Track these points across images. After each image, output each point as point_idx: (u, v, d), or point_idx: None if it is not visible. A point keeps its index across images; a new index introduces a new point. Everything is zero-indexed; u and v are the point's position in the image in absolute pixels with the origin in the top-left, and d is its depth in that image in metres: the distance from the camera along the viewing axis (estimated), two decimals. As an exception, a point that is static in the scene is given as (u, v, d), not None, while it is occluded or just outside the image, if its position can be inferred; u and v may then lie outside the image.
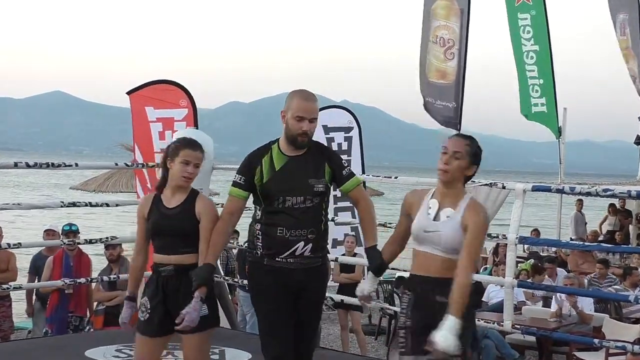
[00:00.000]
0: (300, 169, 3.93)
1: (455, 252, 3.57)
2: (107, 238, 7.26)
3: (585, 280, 10.18)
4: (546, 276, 9.97)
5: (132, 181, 12.73)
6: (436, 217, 3.63)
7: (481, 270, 11.19)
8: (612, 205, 17.90)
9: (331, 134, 10.10)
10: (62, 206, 6.61)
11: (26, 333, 9.06)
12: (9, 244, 6.59)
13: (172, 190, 4.08)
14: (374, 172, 7.41)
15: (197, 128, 7.16)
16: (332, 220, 6.05)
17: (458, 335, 3.34)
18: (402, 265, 6.69)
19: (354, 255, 8.59)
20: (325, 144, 4.98)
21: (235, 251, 9.17)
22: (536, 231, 15.35)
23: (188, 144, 4.08)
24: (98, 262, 9.70)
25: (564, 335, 7.30)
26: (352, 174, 4.03)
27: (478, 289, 7.32)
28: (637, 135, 17.10)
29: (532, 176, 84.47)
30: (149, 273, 4.21)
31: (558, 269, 10.55)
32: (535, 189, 5.42)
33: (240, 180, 3.98)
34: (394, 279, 11.17)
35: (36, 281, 8.28)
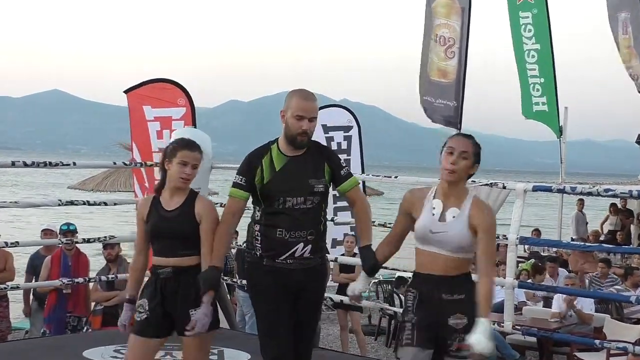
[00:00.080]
0: (300, 169, 3.91)
1: (461, 251, 3.61)
2: (105, 237, 7.22)
3: (587, 280, 10.15)
4: (548, 276, 9.95)
5: (130, 180, 12.69)
6: (442, 218, 3.64)
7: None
8: (613, 204, 17.88)
9: (330, 133, 10.04)
10: (60, 204, 6.56)
11: (24, 333, 9.02)
12: (6, 243, 6.53)
13: (170, 192, 4.03)
14: (374, 172, 7.37)
15: (195, 127, 7.11)
16: (332, 220, 6.02)
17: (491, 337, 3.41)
18: (402, 266, 6.66)
19: (354, 255, 8.54)
20: (325, 143, 4.93)
21: (233, 251, 9.12)
22: (537, 231, 15.35)
23: (186, 145, 4.04)
24: (96, 261, 9.65)
25: (564, 335, 7.31)
26: (350, 174, 4.02)
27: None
28: (639, 135, 17.05)
29: (533, 176, 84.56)
30: (148, 273, 4.17)
31: (560, 269, 10.51)
32: (536, 188, 5.40)
33: (241, 181, 3.95)
34: (393, 279, 11.14)
35: (34, 281, 8.24)
